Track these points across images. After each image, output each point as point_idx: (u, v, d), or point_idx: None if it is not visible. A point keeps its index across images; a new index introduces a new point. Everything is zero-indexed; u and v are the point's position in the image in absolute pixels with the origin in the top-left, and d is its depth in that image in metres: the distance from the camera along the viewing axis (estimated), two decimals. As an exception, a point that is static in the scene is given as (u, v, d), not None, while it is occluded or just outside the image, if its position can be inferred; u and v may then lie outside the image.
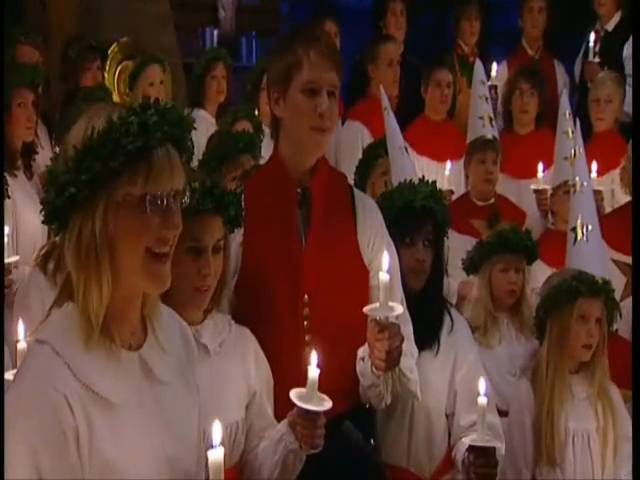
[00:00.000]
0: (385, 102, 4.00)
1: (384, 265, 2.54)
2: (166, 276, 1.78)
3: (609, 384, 3.43)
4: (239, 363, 2.59)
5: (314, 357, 2.34)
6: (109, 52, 5.76)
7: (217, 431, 1.84)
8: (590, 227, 3.84)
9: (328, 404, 2.36)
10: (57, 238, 1.91)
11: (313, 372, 2.33)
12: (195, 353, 2.01)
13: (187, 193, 1.80)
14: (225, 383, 2.53)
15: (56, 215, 1.76)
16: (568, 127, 4.69)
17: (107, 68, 5.73)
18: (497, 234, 3.90)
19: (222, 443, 2.40)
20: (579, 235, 3.82)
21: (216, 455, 1.82)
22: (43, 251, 3.20)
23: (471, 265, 3.92)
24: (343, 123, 5.82)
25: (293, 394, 2.37)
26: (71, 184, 1.71)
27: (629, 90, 6.03)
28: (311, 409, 2.36)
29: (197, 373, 2.33)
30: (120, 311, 1.79)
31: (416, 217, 3.15)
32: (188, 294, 2.47)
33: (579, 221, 3.86)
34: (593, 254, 3.83)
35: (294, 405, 2.39)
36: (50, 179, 1.75)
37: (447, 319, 3.18)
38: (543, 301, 3.43)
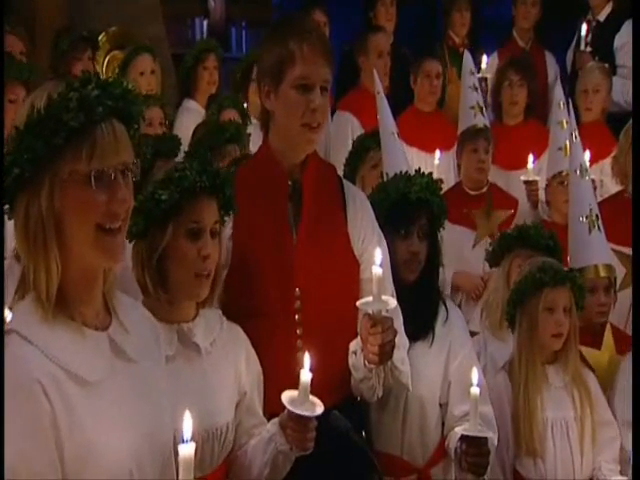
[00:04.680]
0: (378, 87, 3.98)
1: (377, 259, 2.53)
2: (118, 249, 1.77)
3: (584, 370, 3.44)
4: (230, 363, 2.55)
5: (307, 360, 2.31)
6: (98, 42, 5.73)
7: (187, 424, 1.81)
8: (599, 215, 3.82)
9: (320, 409, 2.35)
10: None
11: (306, 376, 2.31)
12: (159, 332, 2.00)
13: (138, 168, 1.78)
14: (217, 384, 2.49)
15: (5, 198, 1.74)
16: (562, 117, 4.69)
17: (96, 58, 5.70)
18: (518, 228, 3.86)
19: (211, 445, 2.41)
20: (593, 224, 3.79)
21: (187, 450, 1.78)
22: None
23: (493, 257, 3.88)
24: (333, 114, 5.80)
25: (285, 398, 2.34)
26: (14, 165, 1.70)
27: (619, 80, 6.05)
28: (303, 414, 2.34)
29: (187, 370, 2.32)
30: (82, 292, 1.78)
31: (411, 209, 3.12)
32: (188, 282, 2.44)
33: (590, 210, 3.82)
34: (604, 243, 3.83)
35: (275, 404, 2.37)
36: None
37: (442, 310, 3.16)
38: (511, 294, 3.42)
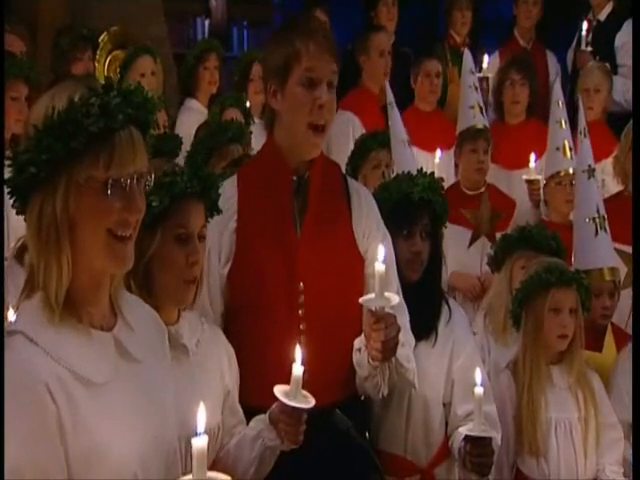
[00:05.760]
0: (389, 97, 4.04)
1: (380, 255, 2.53)
2: (128, 256, 1.78)
3: (589, 372, 3.43)
4: (215, 362, 2.56)
5: (299, 354, 2.32)
6: (99, 41, 5.73)
7: (201, 418, 1.81)
8: (605, 216, 3.81)
9: (312, 401, 2.34)
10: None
11: (298, 369, 2.31)
12: (165, 332, 2.00)
13: (151, 177, 1.79)
14: (205, 385, 2.49)
15: (17, 194, 1.74)
16: (561, 117, 4.69)
17: (97, 58, 5.70)
18: (520, 229, 3.82)
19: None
20: (600, 225, 3.78)
21: (200, 443, 1.77)
22: (19, 243, 3.19)
23: (495, 260, 3.86)
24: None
25: (277, 391, 2.34)
26: (31, 164, 1.70)
27: (620, 79, 6.05)
28: (297, 406, 2.34)
29: (176, 372, 2.31)
30: (90, 294, 1.79)
31: (414, 209, 3.13)
32: (175, 288, 2.42)
33: (597, 211, 3.81)
34: (610, 245, 3.82)
35: (275, 400, 2.37)
36: (12, 158, 1.74)
37: (445, 309, 3.16)
38: (517, 293, 3.41)
